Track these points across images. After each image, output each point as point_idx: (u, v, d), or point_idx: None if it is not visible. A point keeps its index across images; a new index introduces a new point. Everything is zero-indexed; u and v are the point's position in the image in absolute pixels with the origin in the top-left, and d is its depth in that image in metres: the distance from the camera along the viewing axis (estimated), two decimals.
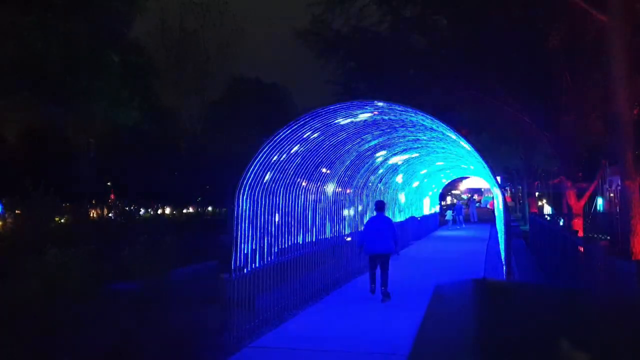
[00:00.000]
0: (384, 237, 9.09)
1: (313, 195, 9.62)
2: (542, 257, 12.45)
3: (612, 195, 21.98)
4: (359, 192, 12.53)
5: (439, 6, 16.26)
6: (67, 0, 13.09)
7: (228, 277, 6.51)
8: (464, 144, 9.02)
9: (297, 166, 8.57)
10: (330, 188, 10.50)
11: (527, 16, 14.33)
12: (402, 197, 18.58)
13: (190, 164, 31.27)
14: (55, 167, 24.23)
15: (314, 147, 8.74)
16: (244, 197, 7.08)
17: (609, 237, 15.68)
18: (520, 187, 36.21)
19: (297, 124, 7.57)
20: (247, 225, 7.10)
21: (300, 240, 8.93)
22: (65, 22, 12.66)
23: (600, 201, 25.93)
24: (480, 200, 43.35)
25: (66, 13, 12.85)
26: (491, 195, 41.13)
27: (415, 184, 20.29)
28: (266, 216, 7.72)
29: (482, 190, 54.38)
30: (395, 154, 12.98)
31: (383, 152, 12.09)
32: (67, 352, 6.58)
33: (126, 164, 27.67)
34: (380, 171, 13.60)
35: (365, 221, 11.06)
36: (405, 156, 13.79)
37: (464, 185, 62.99)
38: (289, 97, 39.28)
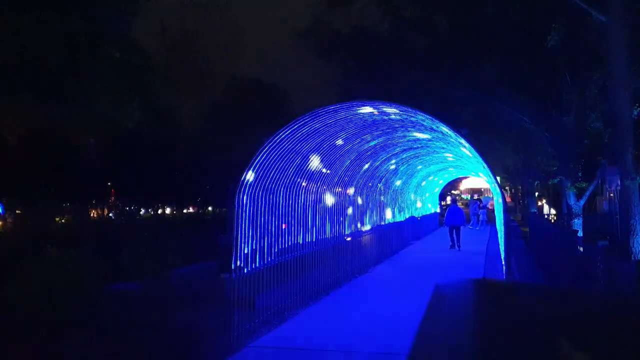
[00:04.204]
0: (458, 217, 17.00)
1: (313, 195, 9.62)
2: (542, 257, 12.46)
3: (612, 195, 21.98)
4: (359, 192, 12.54)
5: (439, 6, 16.27)
6: (67, 0, 13.09)
7: (228, 277, 6.51)
8: (464, 143, 9.02)
9: (297, 166, 8.57)
10: (330, 188, 10.50)
11: (527, 16, 14.33)
12: (401, 197, 18.58)
13: (190, 164, 31.26)
14: (56, 168, 24.23)
15: (314, 147, 8.74)
16: (244, 197, 7.08)
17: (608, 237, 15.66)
18: (521, 187, 36.20)
19: (297, 124, 7.57)
20: (247, 225, 7.10)
21: (300, 240, 8.93)
22: (65, 22, 12.65)
23: (600, 201, 25.92)
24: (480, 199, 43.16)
25: (66, 13, 12.83)
26: (491, 195, 41.09)
27: (416, 183, 20.30)
28: (266, 216, 7.71)
29: (482, 190, 54.32)
30: (395, 154, 12.98)
31: (383, 152, 12.10)
32: (68, 353, 6.59)
33: (126, 164, 27.67)
34: (381, 171, 13.61)
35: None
36: (405, 156, 13.79)
37: (464, 185, 63.04)
38: (289, 97, 39.27)
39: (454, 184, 49.75)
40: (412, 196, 21.00)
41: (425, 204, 25.49)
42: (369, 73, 18.05)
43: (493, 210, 29.74)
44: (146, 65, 16.16)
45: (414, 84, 16.74)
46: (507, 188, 45.89)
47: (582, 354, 0.85)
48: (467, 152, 10.81)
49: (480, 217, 27.27)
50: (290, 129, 7.51)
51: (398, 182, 16.82)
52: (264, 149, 7.23)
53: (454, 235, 17.03)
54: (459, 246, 16.88)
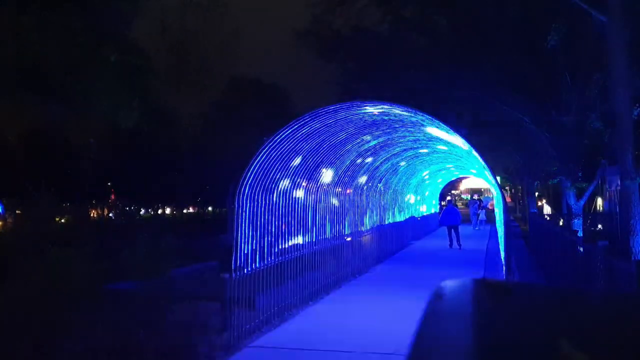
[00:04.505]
0: (454, 216, 17.82)
1: (313, 195, 9.62)
2: (542, 257, 12.46)
3: (610, 195, 21.97)
4: (359, 192, 12.53)
5: (439, 6, 16.26)
6: (67, 0, 13.10)
7: (228, 276, 6.51)
8: (464, 144, 9.02)
9: (298, 166, 8.57)
10: (330, 188, 10.50)
11: (527, 16, 14.33)
12: (401, 197, 18.58)
13: (190, 164, 31.25)
14: (56, 167, 24.21)
15: (314, 147, 8.74)
16: (244, 197, 7.08)
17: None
18: (521, 187, 36.18)
19: (297, 123, 7.57)
20: (247, 225, 7.10)
21: (300, 240, 8.93)
22: (65, 22, 12.65)
23: (600, 201, 25.93)
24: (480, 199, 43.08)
25: (66, 13, 12.84)
26: (491, 196, 41.07)
27: (415, 184, 20.30)
28: (266, 216, 7.72)
29: (482, 190, 54.27)
30: (395, 154, 12.98)
31: (383, 152, 12.10)
32: (67, 353, 6.58)
33: (126, 164, 27.66)
34: (380, 171, 13.60)
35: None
36: (405, 156, 13.79)
37: (464, 185, 63.01)
38: (289, 97, 39.27)
39: (454, 184, 49.74)
40: (412, 196, 20.99)
41: (425, 204, 25.50)
42: (369, 73, 18.04)
43: (493, 210, 29.76)
44: (146, 66, 16.16)
45: (414, 84, 16.73)
46: (507, 188, 45.84)
47: (582, 354, 0.85)
48: (467, 152, 10.81)
49: (480, 217, 27.52)
50: (290, 128, 7.51)
51: (398, 182, 16.81)
52: (264, 148, 7.23)
53: (452, 235, 17.71)
54: (459, 244, 17.45)
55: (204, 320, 7.45)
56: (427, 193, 25.74)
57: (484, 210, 28.09)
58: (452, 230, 17.74)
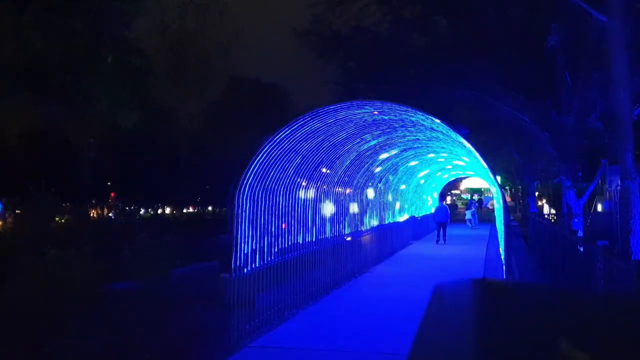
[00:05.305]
0: (443, 214, 19.31)
1: (313, 195, 9.61)
2: (542, 257, 12.46)
3: (610, 195, 21.97)
4: (359, 192, 12.53)
5: (439, 6, 16.26)
6: (67, 0, 13.09)
7: (228, 277, 6.51)
8: (464, 143, 9.02)
9: (297, 166, 8.57)
10: (330, 188, 10.50)
11: (527, 16, 14.33)
12: (401, 197, 18.59)
13: (190, 164, 31.25)
14: (56, 167, 24.23)
15: (314, 146, 8.74)
16: (244, 197, 7.07)
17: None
18: (521, 187, 36.18)
19: (297, 123, 7.57)
20: (247, 225, 7.10)
21: (300, 240, 8.93)
22: (65, 22, 12.65)
23: (599, 201, 25.92)
24: (481, 199, 43.12)
25: (66, 13, 12.83)
26: (491, 195, 41.11)
27: (415, 183, 20.31)
28: (266, 216, 7.71)
29: (482, 190, 54.27)
30: (395, 154, 12.98)
31: (383, 152, 12.10)
32: (68, 352, 6.59)
33: (126, 164, 27.70)
34: (380, 171, 13.60)
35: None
36: (405, 156, 13.79)
37: (464, 185, 63.01)
38: (289, 97, 39.27)
39: (454, 183, 49.72)
40: (412, 196, 21.00)
41: (425, 204, 25.51)
42: (369, 73, 18.04)
43: (493, 210, 29.85)
44: (146, 66, 16.15)
45: (413, 84, 16.73)
46: (507, 188, 45.85)
47: (582, 354, 0.85)
48: (467, 152, 10.81)
49: (471, 217, 28.25)
50: (290, 128, 7.51)
51: (398, 182, 16.81)
52: (264, 148, 7.23)
53: (440, 231, 19.12)
54: (444, 240, 18.83)
55: (203, 321, 7.46)
56: (427, 193, 25.75)
57: (474, 212, 28.89)
58: (441, 227, 19.08)
